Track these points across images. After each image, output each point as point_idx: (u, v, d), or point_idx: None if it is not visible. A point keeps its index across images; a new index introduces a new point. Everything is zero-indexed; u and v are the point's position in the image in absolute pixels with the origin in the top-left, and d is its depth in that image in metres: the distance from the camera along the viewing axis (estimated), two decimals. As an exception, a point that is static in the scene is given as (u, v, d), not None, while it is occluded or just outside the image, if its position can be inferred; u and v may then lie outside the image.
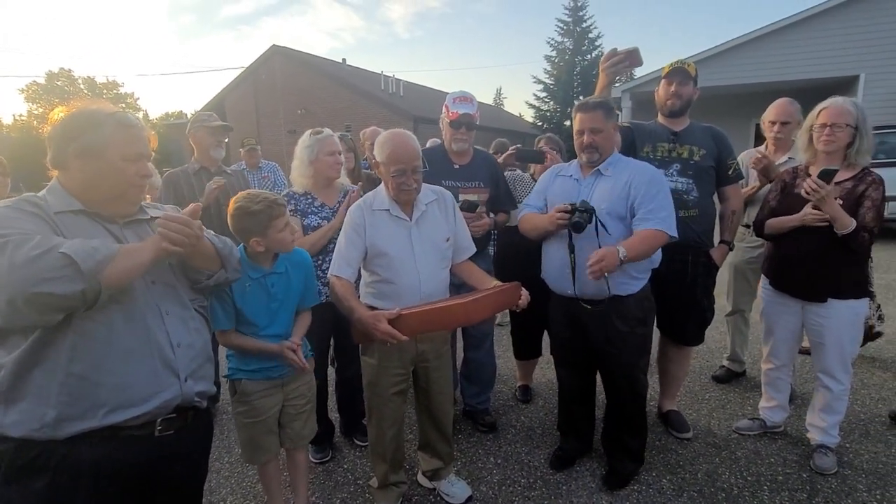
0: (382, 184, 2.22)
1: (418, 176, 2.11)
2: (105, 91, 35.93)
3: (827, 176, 2.25)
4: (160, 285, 1.39)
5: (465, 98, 2.80)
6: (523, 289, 2.19)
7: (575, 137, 2.37)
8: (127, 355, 1.28)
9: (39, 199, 1.28)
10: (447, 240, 2.26)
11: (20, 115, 33.48)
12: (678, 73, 2.69)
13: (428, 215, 2.23)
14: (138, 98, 40.61)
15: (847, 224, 2.26)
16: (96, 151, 1.28)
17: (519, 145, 3.16)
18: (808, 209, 2.36)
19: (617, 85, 14.10)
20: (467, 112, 2.75)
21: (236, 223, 1.93)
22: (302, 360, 1.97)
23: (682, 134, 2.73)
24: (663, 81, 2.75)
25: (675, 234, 2.21)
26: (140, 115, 37.06)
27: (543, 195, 2.50)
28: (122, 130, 1.31)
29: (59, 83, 34.35)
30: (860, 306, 2.45)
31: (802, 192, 2.32)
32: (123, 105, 35.76)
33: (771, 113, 3.19)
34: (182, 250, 1.31)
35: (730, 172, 2.79)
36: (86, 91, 34.78)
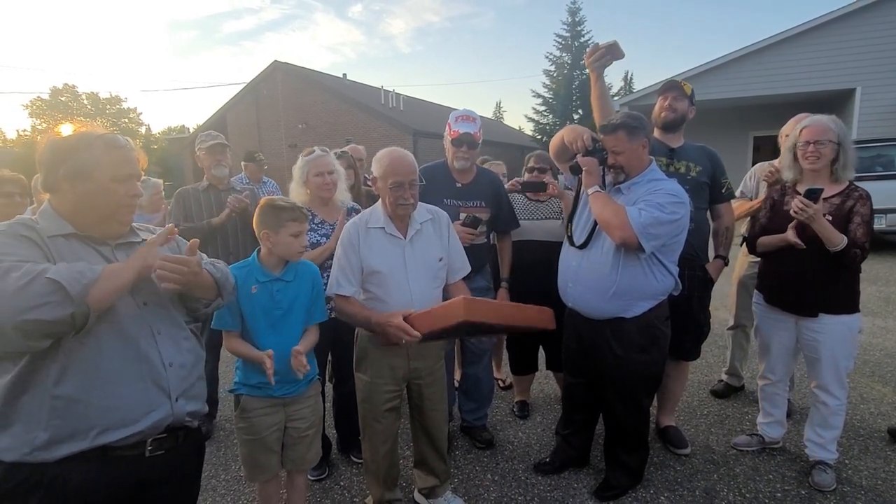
0: (379, 201, 2.25)
1: (415, 191, 2.14)
2: (108, 106, 35.72)
3: (812, 195, 2.27)
4: (152, 305, 1.40)
5: (467, 117, 2.82)
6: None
7: None
8: (117, 376, 1.29)
9: (33, 223, 1.29)
10: (440, 259, 2.27)
11: (24, 131, 33.58)
12: (673, 87, 2.79)
13: (422, 234, 2.25)
14: (141, 113, 40.47)
15: (837, 241, 2.27)
16: (86, 173, 1.30)
17: (520, 179, 3.27)
18: (791, 229, 2.39)
19: (616, 98, 14.23)
20: (468, 131, 2.76)
21: (259, 215, 2.03)
22: (270, 371, 1.86)
23: (679, 150, 2.78)
24: (659, 96, 2.83)
25: (635, 234, 2.10)
26: (143, 129, 37.19)
27: None
28: (112, 152, 1.33)
29: (62, 98, 34.25)
30: (853, 321, 2.46)
31: (791, 212, 2.34)
32: (126, 119, 35.95)
33: (789, 126, 3.15)
34: (180, 288, 1.35)
35: (723, 191, 2.85)
36: (89, 106, 34.80)
